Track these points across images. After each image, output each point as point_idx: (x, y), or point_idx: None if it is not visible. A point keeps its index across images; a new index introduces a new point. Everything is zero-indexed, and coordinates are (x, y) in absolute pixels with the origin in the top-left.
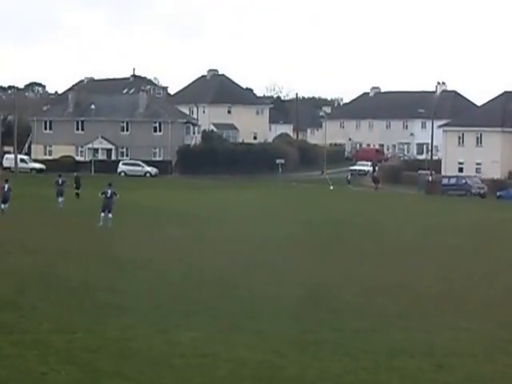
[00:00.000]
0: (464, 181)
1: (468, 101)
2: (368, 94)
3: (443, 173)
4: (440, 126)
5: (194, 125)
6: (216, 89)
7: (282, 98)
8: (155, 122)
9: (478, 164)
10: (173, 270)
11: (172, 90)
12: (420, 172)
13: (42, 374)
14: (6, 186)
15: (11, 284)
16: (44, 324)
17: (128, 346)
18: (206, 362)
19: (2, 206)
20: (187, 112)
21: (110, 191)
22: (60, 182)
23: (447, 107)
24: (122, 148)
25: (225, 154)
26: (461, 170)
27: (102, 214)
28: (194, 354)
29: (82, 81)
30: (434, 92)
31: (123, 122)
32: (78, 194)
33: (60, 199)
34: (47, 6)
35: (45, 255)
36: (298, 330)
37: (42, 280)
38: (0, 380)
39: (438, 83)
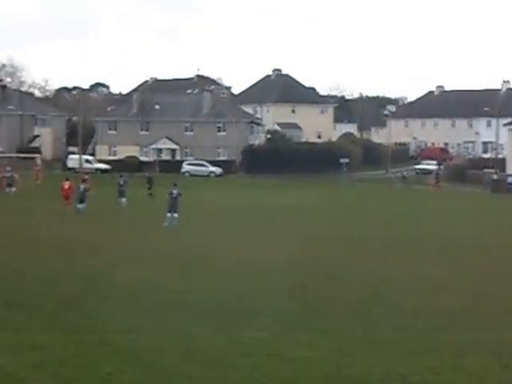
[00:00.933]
0: None
1: None
2: (433, 92)
3: (508, 171)
4: (505, 125)
5: (258, 124)
6: (280, 88)
7: (346, 98)
8: (219, 122)
9: None
10: (236, 268)
11: (236, 90)
12: (485, 171)
13: (107, 373)
14: (82, 187)
15: (77, 284)
16: (109, 324)
17: (192, 346)
18: (271, 361)
19: (79, 205)
20: (251, 112)
21: (175, 191)
22: (121, 182)
23: None
24: (186, 148)
25: (289, 153)
26: None
27: (168, 215)
28: (259, 353)
29: (146, 81)
30: (499, 90)
31: (187, 122)
32: (151, 194)
33: (122, 199)
34: (111, 6)
35: (110, 255)
36: (362, 329)
37: (106, 280)
38: (66, 379)
39: (504, 81)
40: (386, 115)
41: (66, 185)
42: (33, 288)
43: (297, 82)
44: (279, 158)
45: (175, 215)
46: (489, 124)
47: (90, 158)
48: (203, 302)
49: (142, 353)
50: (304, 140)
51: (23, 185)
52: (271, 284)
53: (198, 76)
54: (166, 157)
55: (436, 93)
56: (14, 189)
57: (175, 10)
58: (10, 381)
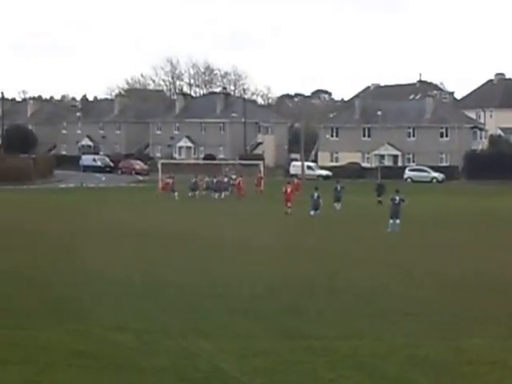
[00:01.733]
0: None
1: None
2: None
3: None
4: None
5: (481, 129)
6: (503, 93)
7: None
8: (442, 128)
9: None
10: (458, 277)
11: (458, 95)
12: None
13: (330, 380)
14: (316, 194)
15: (299, 290)
16: (331, 330)
17: (415, 353)
18: (494, 369)
19: (312, 212)
20: (474, 117)
21: (397, 198)
22: (338, 188)
23: None
24: (408, 154)
25: None
26: None
27: (391, 221)
28: (482, 361)
29: (368, 87)
30: None
31: (409, 128)
32: (380, 202)
33: (336, 204)
34: (338, 13)
35: (331, 261)
36: None
37: (328, 286)
38: None
39: None
40: None
41: (289, 188)
42: (255, 294)
43: None
44: (503, 164)
45: (397, 221)
46: None
47: (312, 164)
48: (427, 309)
49: (365, 359)
50: None
51: (246, 191)
52: (493, 291)
53: (420, 81)
54: (387, 163)
55: None
56: (177, 193)
57: (394, 11)
58: None
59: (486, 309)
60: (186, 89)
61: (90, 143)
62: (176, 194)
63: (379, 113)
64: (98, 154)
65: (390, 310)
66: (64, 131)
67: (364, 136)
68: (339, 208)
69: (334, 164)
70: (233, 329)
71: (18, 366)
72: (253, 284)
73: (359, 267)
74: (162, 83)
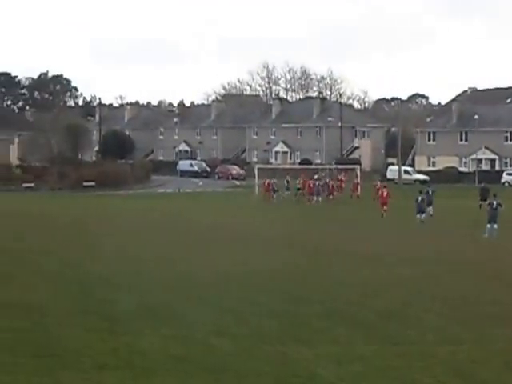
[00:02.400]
0: None
1: None
2: None
3: None
4: None
5: None
6: None
7: None
8: None
9: None
10: None
11: None
12: None
13: None
14: (420, 198)
15: (397, 295)
16: (429, 335)
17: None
18: None
19: (418, 215)
20: None
21: (495, 202)
22: (430, 192)
23: None
24: (506, 158)
25: None
26: None
27: (488, 226)
28: None
29: (465, 91)
30: None
31: (507, 132)
32: (480, 206)
33: (429, 209)
34: (442, 21)
35: (429, 266)
36: None
37: (427, 291)
38: None
39: None
40: None
41: (385, 192)
42: (352, 299)
43: None
44: None
45: (495, 226)
46: None
47: (409, 168)
48: None
49: (462, 364)
50: None
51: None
52: None
53: None
54: (485, 167)
55: None
56: (275, 195)
57: (491, 14)
58: None
59: None
60: (282, 94)
61: (187, 148)
62: (275, 195)
63: (476, 117)
64: (194, 159)
65: (488, 315)
66: (161, 137)
67: (461, 140)
68: (432, 213)
69: (430, 168)
70: (330, 335)
71: (115, 371)
72: (350, 288)
73: (455, 272)
74: (258, 88)
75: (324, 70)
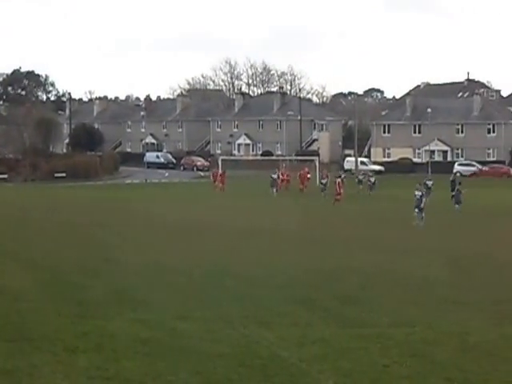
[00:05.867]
0: None
1: None
2: None
3: None
4: None
5: None
6: None
7: None
8: (489, 124)
9: None
10: (508, 266)
11: (505, 93)
12: None
13: (384, 366)
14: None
15: (355, 280)
16: (384, 318)
17: (466, 340)
18: None
19: (457, 206)
20: None
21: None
22: (429, 184)
23: None
24: (457, 149)
25: None
26: None
27: (457, 206)
28: None
29: (418, 86)
30: None
31: (458, 125)
32: (453, 196)
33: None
34: (393, 12)
35: (386, 252)
36: None
37: (383, 275)
38: (344, 371)
39: None
40: None
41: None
42: (312, 283)
43: None
44: None
45: (456, 206)
46: None
47: (365, 160)
48: (476, 297)
49: (417, 346)
50: None
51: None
52: None
53: (468, 80)
54: (437, 158)
55: None
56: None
57: (445, 12)
58: (293, 372)
59: None
60: (244, 88)
61: (154, 141)
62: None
63: (429, 110)
64: (161, 151)
65: (442, 298)
66: (128, 130)
67: (415, 132)
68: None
69: (386, 159)
70: (291, 318)
71: (86, 354)
72: (314, 273)
73: (410, 257)
74: (221, 83)
75: (284, 65)
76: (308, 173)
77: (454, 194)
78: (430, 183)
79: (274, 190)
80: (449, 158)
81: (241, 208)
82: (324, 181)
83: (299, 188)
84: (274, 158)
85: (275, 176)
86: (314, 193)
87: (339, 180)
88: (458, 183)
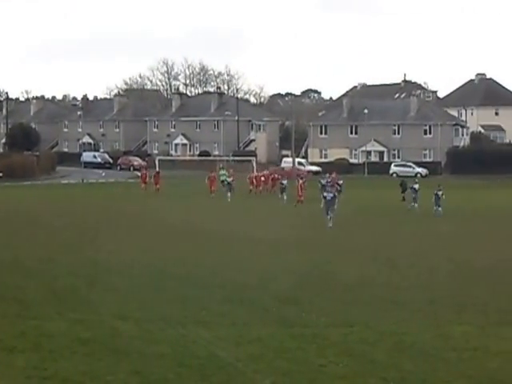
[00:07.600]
0: None
1: None
2: None
3: None
4: None
5: (463, 127)
6: (484, 92)
7: None
8: (425, 125)
9: None
10: (442, 266)
11: (441, 94)
12: None
13: (320, 365)
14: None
15: (293, 280)
16: (322, 318)
17: (403, 340)
18: (477, 355)
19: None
20: (456, 114)
21: (440, 192)
22: (416, 187)
23: None
24: (394, 150)
25: (493, 154)
26: None
27: (436, 207)
28: (466, 347)
29: (355, 87)
30: None
31: (395, 126)
32: (404, 198)
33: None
34: (328, 12)
35: (324, 252)
36: None
37: (321, 276)
38: (281, 371)
39: None
40: None
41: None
42: (250, 283)
43: (500, 85)
44: (483, 160)
45: (439, 209)
46: None
47: (302, 160)
48: (413, 297)
49: (354, 346)
50: (507, 141)
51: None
52: (476, 280)
53: (405, 81)
54: (374, 159)
55: None
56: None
57: (380, 13)
58: (230, 371)
59: (471, 296)
60: (181, 88)
61: (91, 141)
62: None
63: (366, 111)
64: (98, 151)
65: (379, 299)
66: (65, 129)
67: (351, 133)
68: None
69: (323, 160)
70: (229, 318)
71: (24, 354)
72: (249, 274)
73: (347, 259)
74: (158, 83)
75: (222, 66)
76: (271, 174)
77: (404, 195)
78: (416, 186)
79: (228, 194)
80: (385, 159)
81: (176, 208)
82: (284, 182)
83: (249, 189)
84: (211, 158)
85: (230, 179)
86: (266, 195)
87: (301, 182)
88: (438, 185)
